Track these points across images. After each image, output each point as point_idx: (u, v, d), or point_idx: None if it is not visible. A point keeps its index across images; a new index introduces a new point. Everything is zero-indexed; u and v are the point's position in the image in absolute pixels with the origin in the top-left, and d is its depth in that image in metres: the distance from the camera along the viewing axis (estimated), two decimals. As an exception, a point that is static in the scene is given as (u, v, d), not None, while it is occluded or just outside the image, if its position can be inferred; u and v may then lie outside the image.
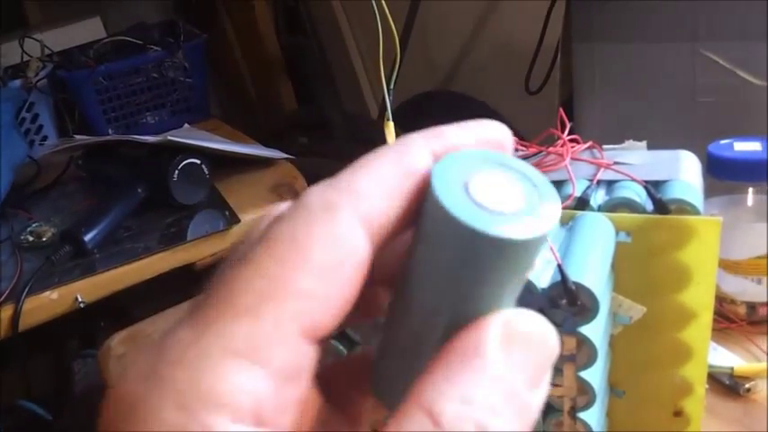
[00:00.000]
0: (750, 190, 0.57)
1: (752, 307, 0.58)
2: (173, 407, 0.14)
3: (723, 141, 0.58)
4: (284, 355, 0.15)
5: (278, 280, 0.15)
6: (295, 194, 0.77)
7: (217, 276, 0.16)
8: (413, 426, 0.15)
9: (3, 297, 0.80)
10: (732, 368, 0.52)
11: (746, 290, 0.57)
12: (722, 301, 0.58)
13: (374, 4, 0.80)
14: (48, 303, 0.82)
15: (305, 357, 0.15)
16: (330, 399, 0.19)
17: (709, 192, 0.55)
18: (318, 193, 0.16)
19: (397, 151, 0.17)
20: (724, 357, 0.53)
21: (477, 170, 0.16)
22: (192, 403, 0.14)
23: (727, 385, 0.52)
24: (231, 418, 0.14)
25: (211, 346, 0.15)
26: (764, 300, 0.57)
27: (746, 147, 0.57)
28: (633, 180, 0.42)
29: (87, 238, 0.87)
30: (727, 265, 0.56)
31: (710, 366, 0.50)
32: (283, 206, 0.17)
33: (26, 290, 0.80)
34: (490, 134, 0.18)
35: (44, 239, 0.92)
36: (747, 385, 0.51)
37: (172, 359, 0.15)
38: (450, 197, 0.16)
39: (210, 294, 0.15)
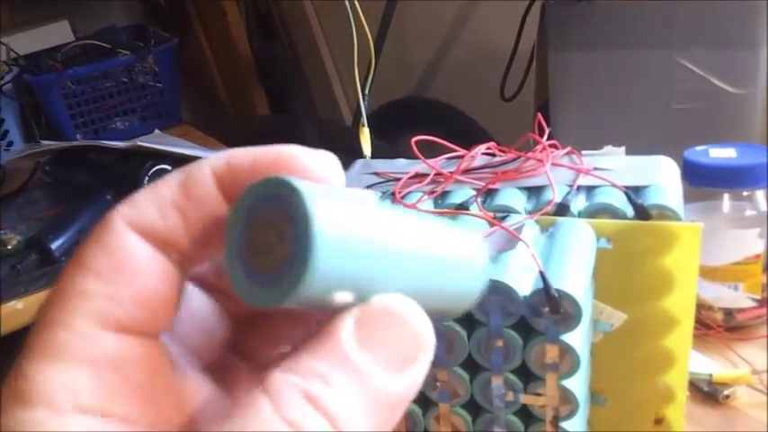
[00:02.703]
0: (726, 196, 0.57)
1: (729, 313, 0.58)
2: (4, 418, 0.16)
3: (699, 148, 0.58)
4: (85, 347, 0.16)
5: (65, 291, 0.17)
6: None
7: None
8: (254, 407, 0.15)
9: (-35, 307, 0.78)
10: (711, 375, 0.52)
11: (723, 296, 0.57)
12: (700, 307, 0.58)
13: (349, 10, 0.79)
14: (13, 313, 0.79)
15: (116, 347, 0.17)
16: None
17: (686, 198, 0.55)
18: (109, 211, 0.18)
19: (181, 171, 0.18)
20: (702, 364, 0.53)
21: (257, 211, 0.17)
22: (7, 407, 0.16)
23: (706, 392, 0.52)
24: (47, 409, 0.16)
25: (22, 360, 0.16)
26: (741, 306, 0.57)
27: (722, 153, 0.57)
28: (613, 185, 0.42)
29: (54, 245, 0.85)
30: (705, 272, 0.56)
31: (689, 373, 0.49)
32: None
33: (-10, 299, 0.78)
34: (279, 158, 0.19)
35: (9, 248, 0.89)
36: (726, 392, 0.51)
37: None
38: (228, 252, 0.17)
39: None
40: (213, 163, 0.18)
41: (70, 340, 0.16)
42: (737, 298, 0.57)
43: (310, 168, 0.18)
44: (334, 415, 0.15)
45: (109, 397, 0.16)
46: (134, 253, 0.17)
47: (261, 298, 0.16)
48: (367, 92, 0.77)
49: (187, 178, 0.18)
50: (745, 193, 0.57)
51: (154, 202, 0.18)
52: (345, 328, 0.16)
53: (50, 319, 0.17)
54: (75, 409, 0.16)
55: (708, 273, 0.57)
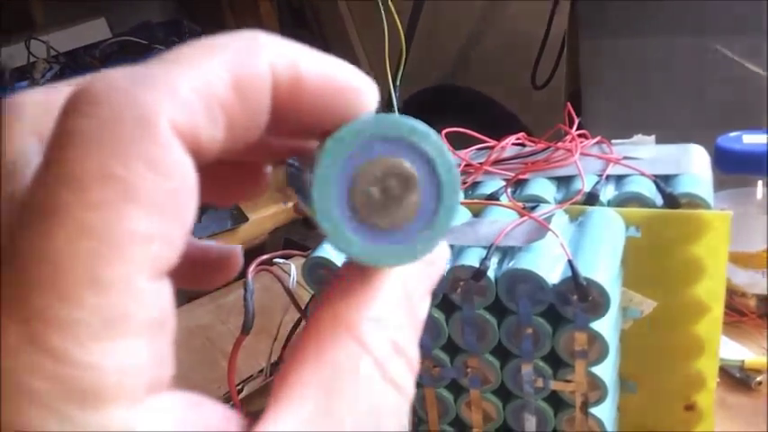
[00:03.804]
0: (759, 183, 0.57)
1: (762, 300, 0.57)
2: (55, 422, 0.12)
3: (732, 134, 0.58)
4: (145, 312, 0.13)
5: (106, 233, 0.12)
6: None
7: (18, 239, 0.12)
8: (343, 349, 0.15)
9: None
10: (743, 361, 0.52)
11: (757, 283, 0.57)
12: (732, 293, 0.58)
13: (380, 3, 0.80)
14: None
15: (164, 297, 0.13)
16: None
17: (719, 185, 0.54)
18: (126, 97, 0.13)
19: (231, 61, 0.14)
20: (734, 350, 0.53)
21: (372, 156, 0.14)
22: (59, 407, 0.12)
23: (738, 378, 0.52)
24: (128, 404, 0.12)
25: (64, 342, 0.12)
26: (775, 292, 0.57)
27: (755, 139, 0.57)
28: (643, 175, 0.42)
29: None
30: (737, 258, 0.56)
31: (721, 359, 0.50)
32: (59, 97, 0.14)
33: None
34: (354, 83, 0.16)
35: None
36: (759, 378, 0.51)
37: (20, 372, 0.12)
38: (324, 204, 0.14)
39: (22, 269, 0.12)
40: (275, 64, 0.14)
41: (131, 306, 0.12)
42: (771, 284, 0.57)
43: (368, 105, 0.16)
44: (412, 359, 0.16)
45: (162, 363, 0.13)
46: (187, 175, 0.13)
47: (388, 257, 0.15)
48: (398, 83, 0.78)
49: (243, 76, 0.14)
50: (779, 180, 0.56)
51: (203, 102, 0.13)
52: (406, 272, 0.17)
53: (100, 276, 0.12)
54: (148, 392, 0.13)
55: (741, 259, 0.56)
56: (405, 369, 0.16)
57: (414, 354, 0.16)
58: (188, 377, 0.15)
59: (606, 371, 0.38)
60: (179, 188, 0.13)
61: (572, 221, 0.41)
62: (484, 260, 0.37)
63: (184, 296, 0.75)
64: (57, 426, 0.12)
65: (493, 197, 0.43)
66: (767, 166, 0.55)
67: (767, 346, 0.54)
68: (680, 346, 0.43)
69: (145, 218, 0.12)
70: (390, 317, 0.16)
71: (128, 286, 0.12)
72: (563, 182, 0.44)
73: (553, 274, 0.36)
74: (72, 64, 1.21)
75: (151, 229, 0.13)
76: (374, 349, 0.15)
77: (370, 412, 0.14)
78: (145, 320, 0.13)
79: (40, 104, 0.16)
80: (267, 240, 1.02)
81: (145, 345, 0.13)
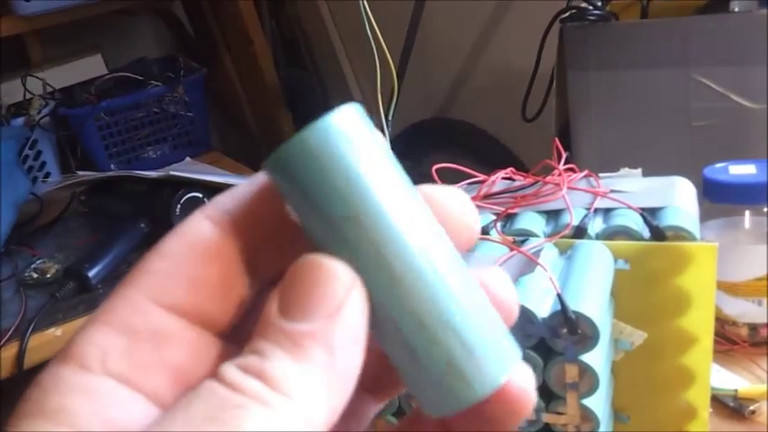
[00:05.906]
0: (747, 212, 0.58)
1: (753, 328, 0.58)
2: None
3: (718, 165, 0.59)
4: (131, 316, 0.17)
5: (136, 270, 0.18)
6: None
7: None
8: (201, 386, 0.16)
9: (7, 335, 0.81)
10: (736, 390, 0.52)
11: (748, 311, 0.57)
12: (724, 323, 0.58)
13: (371, 38, 0.82)
14: (53, 340, 0.82)
15: (161, 323, 0.17)
16: None
17: (706, 215, 0.55)
18: None
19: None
20: (727, 379, 0.53)
21: None
22: (51, 364, 0.16)
23: (732, 407, 0.52)
24: (77, 366, 0.16)
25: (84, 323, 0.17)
26: (765, 321, 0.57)
27: (742, 170, 0.58)
28: (629, 208, 0.43)
29: (91, 273, 0.88)
30: (728, 288, 0.57)
31: (714, 389, 0.50)
32: None
33: (31, 327, 0.81)
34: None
35: (48, 276, 0.92)
36: (752, 407, 0.51)
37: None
38: None
39: None
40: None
41: (120, 308, 0.17)
42: (761, 313, 0.57)
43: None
44: (269, 376, 0.16)
45: (141, 370, 0.17)
46: (200, 237, 0.18)
47: None
48: (390, 118, 0.79)
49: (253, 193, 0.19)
50: (766, 209, 0.57)
51: (234, 196, 0.18)
52: (271, 299, 0.17)
53: (114, 293, 0.17)
54: (103, 371, 0.16)
55: (731, 288, 0.57)
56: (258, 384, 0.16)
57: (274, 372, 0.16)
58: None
59: (598, 402, 0.38)
60: (192, 246, 0.18)
61: (561, 255, 0.42)
62: (474, 294, 0.37)
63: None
64: (44, 374, 0.16)
65: (483, 231, 0.43)
66: (767, 196, 0.55)
67: (767, 374, 0.55)
68: (670, 377, 0.43)
69: (157, 261, 0.18)
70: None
71: (124, 297, 0.17)
72: (552, 215, 0.45)
73: (543, 307, 0.37)
74: (68, 100, 1.22)
75: (158, 267, 0.18)
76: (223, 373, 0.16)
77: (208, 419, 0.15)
78: (129, 324, 0.17)
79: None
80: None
81: (120, 340, 0.17)
